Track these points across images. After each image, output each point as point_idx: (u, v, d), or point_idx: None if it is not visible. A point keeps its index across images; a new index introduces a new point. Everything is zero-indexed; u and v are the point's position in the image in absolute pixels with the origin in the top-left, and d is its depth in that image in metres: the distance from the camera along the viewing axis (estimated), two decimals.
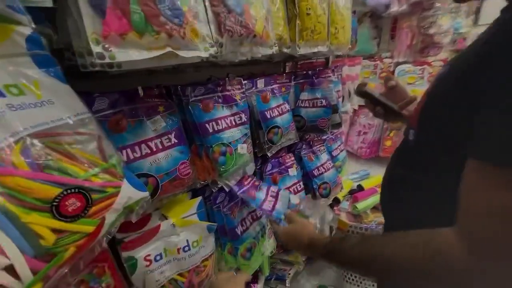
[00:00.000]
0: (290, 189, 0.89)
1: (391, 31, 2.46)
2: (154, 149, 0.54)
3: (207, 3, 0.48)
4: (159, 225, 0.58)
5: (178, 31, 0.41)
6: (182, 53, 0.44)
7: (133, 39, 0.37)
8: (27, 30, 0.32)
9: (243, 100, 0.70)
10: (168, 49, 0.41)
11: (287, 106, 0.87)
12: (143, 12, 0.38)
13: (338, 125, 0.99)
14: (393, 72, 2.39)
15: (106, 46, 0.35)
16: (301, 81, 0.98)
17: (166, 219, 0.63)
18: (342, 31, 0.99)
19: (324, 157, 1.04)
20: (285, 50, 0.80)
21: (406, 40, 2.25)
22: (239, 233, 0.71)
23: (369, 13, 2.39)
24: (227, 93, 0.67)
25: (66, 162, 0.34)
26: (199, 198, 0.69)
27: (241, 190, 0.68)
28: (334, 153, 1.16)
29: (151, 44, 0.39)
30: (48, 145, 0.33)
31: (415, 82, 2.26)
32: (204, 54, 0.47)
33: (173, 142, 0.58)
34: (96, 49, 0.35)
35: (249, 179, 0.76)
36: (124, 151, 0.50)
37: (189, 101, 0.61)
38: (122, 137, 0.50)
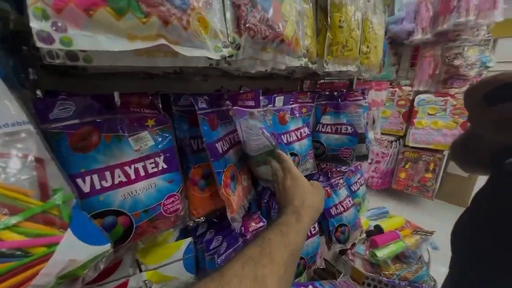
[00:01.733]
0: None
1: (411, 59, 2.38)
2: (133, 177, 0.40)
3: None
4: (126, 282, 0.42)
5: (179, 18, 0.28)
6: (183, 50, 0.31)
7: (106, 19, 0.24)
8: None
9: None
10: (162, 41, 0.28)
11: (307, 130, 0.73)
12: None
13: (364, 157, 0.83)
14: (412, 101, 2.26)
15: (59, 24, 0.22)
16: (323, 102, 0.84)
17: (140, 267, 0.47)
18: (374, 51, 0.87)
19: (343, 193, 0.88)
20: (310, 65, 0.67)
21: (428, 69, 2.14)
22: None
23: (389, 39, 2.33)
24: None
25: None
26: (188, 240, 0.53)
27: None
28: (353, 188, 0.99)
29: (136, 30, 0.26)
30: None
31: (436, 113, 2.12)
32: (215, 56, 0.34)
33: (160, 168, 0.43)
34: (39, 25, 0.21)
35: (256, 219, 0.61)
36: (87, 178, 0.35)
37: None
38: (88, 157, 0.36)
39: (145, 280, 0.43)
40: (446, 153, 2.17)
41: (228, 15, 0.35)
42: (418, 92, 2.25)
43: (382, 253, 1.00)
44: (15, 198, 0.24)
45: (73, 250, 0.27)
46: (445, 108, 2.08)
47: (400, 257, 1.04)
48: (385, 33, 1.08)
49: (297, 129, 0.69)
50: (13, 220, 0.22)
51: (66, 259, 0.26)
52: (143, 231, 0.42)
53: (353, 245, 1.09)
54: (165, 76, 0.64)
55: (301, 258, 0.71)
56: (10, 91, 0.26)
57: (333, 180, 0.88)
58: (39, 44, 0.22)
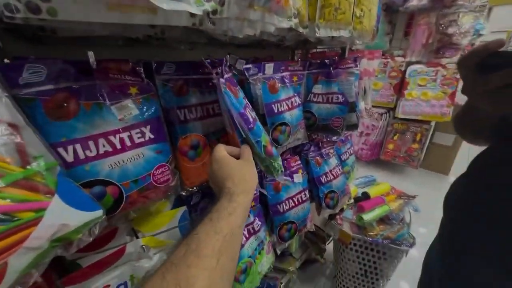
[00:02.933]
0: (294, 198, 0.76)
1: (405, 28, 2.30)
2: (118, 147, 0.39)
3: None
4: (124, 248, 0.43)
5: None
6: (161, 3, 0.28)
7: None
8: None
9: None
10: None
11: (298, 100, 0.72)
12: None
13: (354, 126, 0.84)
14: (404, 72, 2.25)
15: None
16: (314, 71, 0.82)
17: (137, 235, 0.48)
18: (368, 15, 0.83)
19: (333, 161, 0.91)
20: (301, 30, 0.63)
21: (421, 38, 2.09)
22: None
23: (384, 6, 2.22)
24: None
25: None
26: (183, 209, 0.54)
27: None
28: (343, 157, 1.02)
29: None
30: None
31: (427, 84, 2.13)
32: (196, 10, 0.31)
33: (147, 138, 0.42)
34: None
35: None
36: (70, 147, 0.34)
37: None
38: (68, 126, 0.34)
39: (142, 245, 0.45)
40: (433, 123, 2.23)
41: None
42: (410, 63, 2.23)
43: (368, 216, 1.07)
44: None
45: (63, 215, 0.27)
46: (435, 78, 2.08)
47: (384, 220, 1.12)
48: None
49: (288, 98, 0.68)
50: None
51: (57, 224, 0.26)
52: (134, 201, 0.42)
53: (342, 210, 1.16)
54: (147, 43, 0.60)
55: (293, 222, 0.75)
56: None
57: (323, 150, 0.90)
58: None
